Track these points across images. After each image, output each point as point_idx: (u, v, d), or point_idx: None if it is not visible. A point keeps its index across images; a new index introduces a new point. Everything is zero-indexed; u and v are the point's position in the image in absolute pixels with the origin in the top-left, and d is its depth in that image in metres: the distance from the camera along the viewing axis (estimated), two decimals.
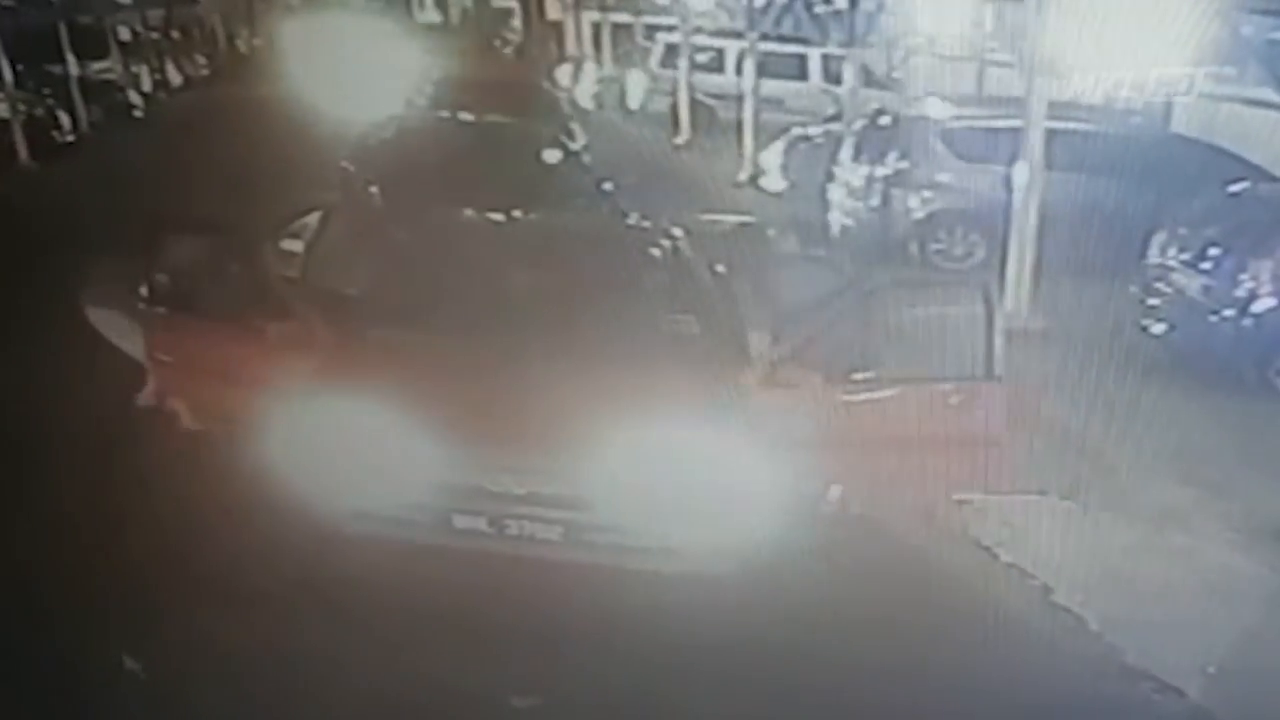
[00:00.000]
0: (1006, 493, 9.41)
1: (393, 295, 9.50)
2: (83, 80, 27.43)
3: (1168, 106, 20.09)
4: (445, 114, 18.88)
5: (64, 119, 25.85)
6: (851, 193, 18.60)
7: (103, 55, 30.39)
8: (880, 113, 19.38)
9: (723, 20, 31.38)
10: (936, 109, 18.72)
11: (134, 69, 32.28)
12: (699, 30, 30.63)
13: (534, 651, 7.47)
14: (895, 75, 26.77)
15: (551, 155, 16.66)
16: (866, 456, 8.57)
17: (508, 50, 43.18)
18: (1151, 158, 15.81)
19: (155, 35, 35.58)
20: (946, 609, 8.18)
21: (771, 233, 12.94)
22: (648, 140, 27.21)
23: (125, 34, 32.80)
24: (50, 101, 25.68)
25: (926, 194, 17.36)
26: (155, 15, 35.41)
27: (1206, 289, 13.11)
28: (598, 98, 34.07)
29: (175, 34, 37.26)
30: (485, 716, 7.25)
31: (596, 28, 39.20)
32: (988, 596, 8.51)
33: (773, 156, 23.25)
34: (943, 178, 17.35)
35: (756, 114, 25.60)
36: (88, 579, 7.73)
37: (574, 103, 27.27)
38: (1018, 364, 10.15)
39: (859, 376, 8.63)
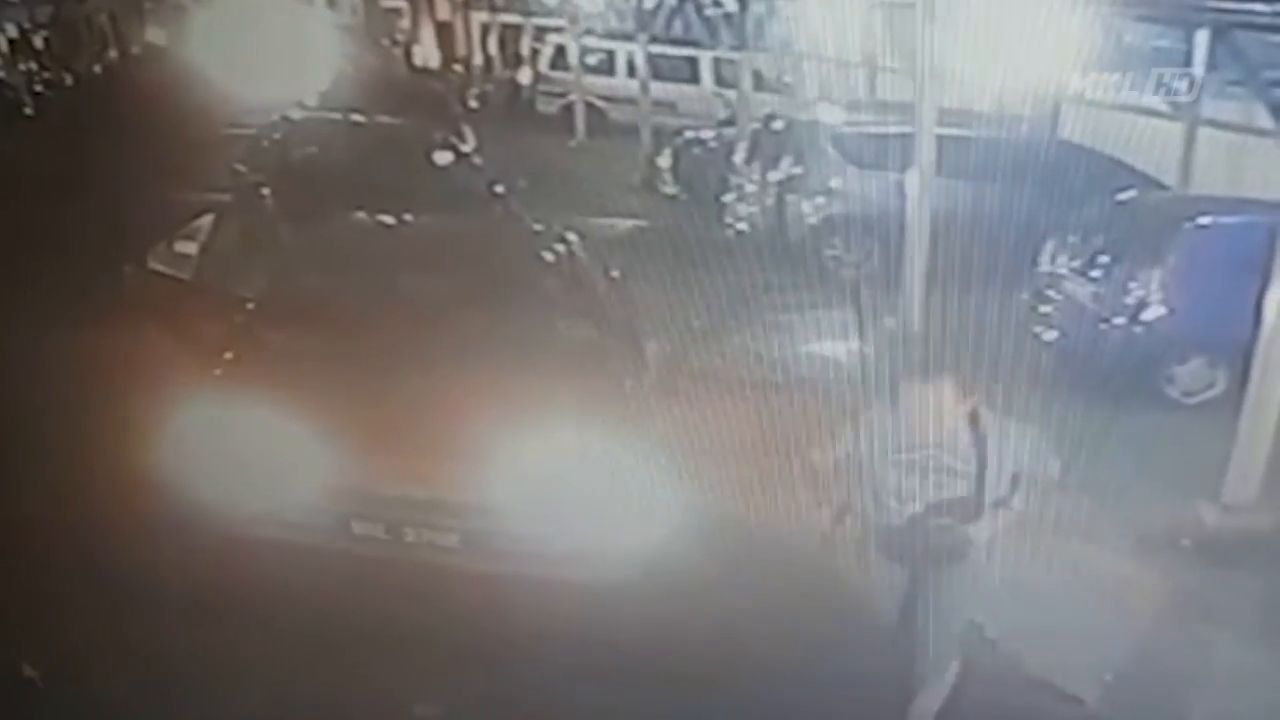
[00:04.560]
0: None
1: (286, 298, 9.38)
2: None
3: (1056, 113, 20.28)
4: (337, 115, 18.71)
5: None
6: (745, 197, 18.64)
7: None
8: (773, 117, 19.43)
9: (613, 22, 31.40)
10: (829, 114, 18.78)
11: (23, 67, 31.80)
12: (589, 32, 30.65)
13: (435, 660, 7.42)
14: (787, 80, 26.86)
15: (442, 157, 16.54)
16: (759, 460, 8.56)
17: (397, 51, 42.92)
18: (1041, 165, 15.94)
19: (44, 33, 35.09)
20: (848, 617, 8.18)
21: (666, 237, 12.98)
22: (540, 143, 27.13)
23: (13, 31, 32.32)
24: None
25: (820, 199, 17.42)
26: (44, 13, 34.87)
27: (1097, 296, 13.23)
28: (488, 99, 33.96)
29: (65, 32, 36.76)
30: None
31: (485, 28, 39.08)
32: (888, 604, 8.51)
33: (665, 160, 23.30)
34: (836, 183, 17.41)
35: (648, 117, 25.62)
36: None
37: (465, 104, 27.13)
38: (909, 368, 10.19)
39: (752, 380, 8.64)
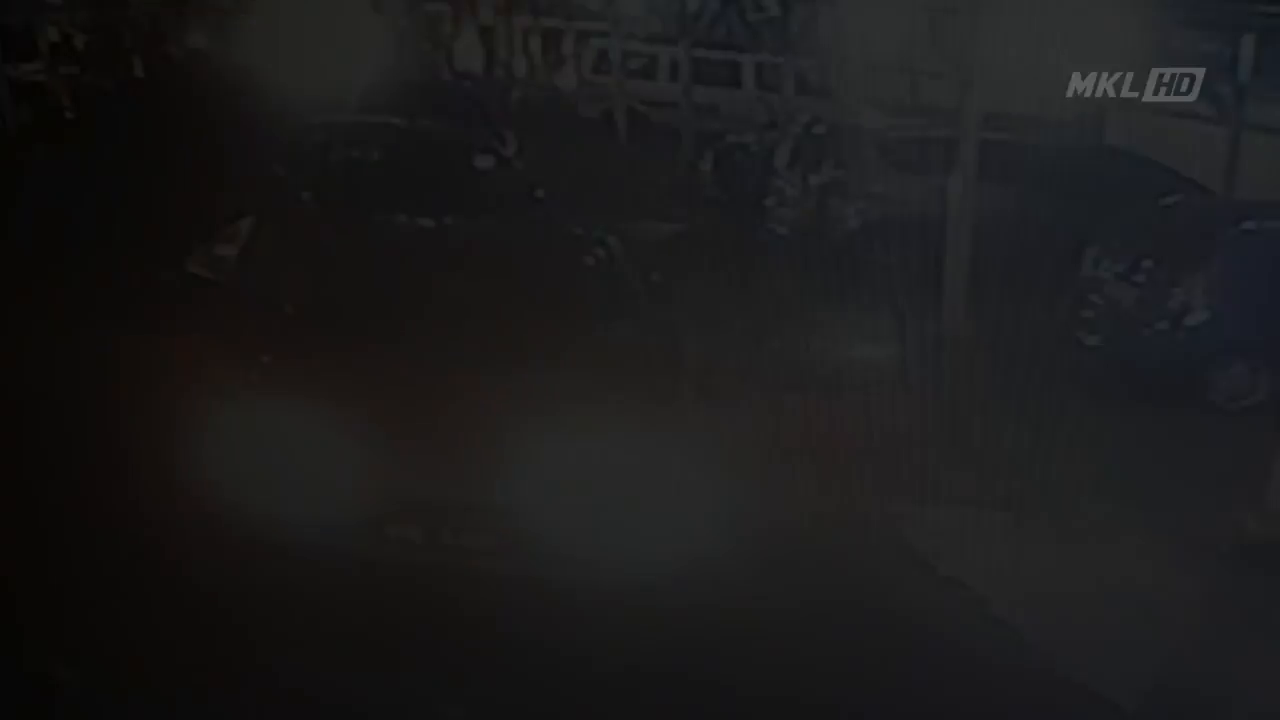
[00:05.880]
0: (941, 503, 9.41)
1: (324, 301, 9.40)
2: (10, 82, 27.15)
3: (1101, 118, 20.18)
4: (377, 119, 18.74)
5: None
6: (786, 201, 18.59)
7: (31, 57, 30.11)
8: (815, 121, 19.37)
9: (655, 26, 31.34)
10: (871, 118, 18.73)
11: (64, 71, 31.96)
12: (631, 36, 30.59)
13: (466, 662, 7.41)
14: (830, 83, 26.78)
15: (483, 161, 16.56)
16: (800, 465, 8.53)
17: (439, 54, 42.99)
18: (1085, 170, 15.86)
19: (85, 37, 35.25)
20: (882, 620, 8.15)
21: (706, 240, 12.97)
22: (581, 147, 27.12)
23: (54, 35, 32.48)
24: None
25: (862, 203, 17.34)
26: (85, 17, 35.04)
27: (1140, 301, 13.15)
28: (529, 103, 33.97)
29: (106, 36, 36.92)
30: None
31: (527, 33, 39.10)
32: (924, 607, 8.48)
33: (707, 164, 23.24)
34: (878, 187, 17.34)
35: (690, 121, 25.57)
36: (19, 586, 7.62)
37: (505, 108, 27.15)
38: (951, 374, 10.15)
39: (792, 383, 8.62)
